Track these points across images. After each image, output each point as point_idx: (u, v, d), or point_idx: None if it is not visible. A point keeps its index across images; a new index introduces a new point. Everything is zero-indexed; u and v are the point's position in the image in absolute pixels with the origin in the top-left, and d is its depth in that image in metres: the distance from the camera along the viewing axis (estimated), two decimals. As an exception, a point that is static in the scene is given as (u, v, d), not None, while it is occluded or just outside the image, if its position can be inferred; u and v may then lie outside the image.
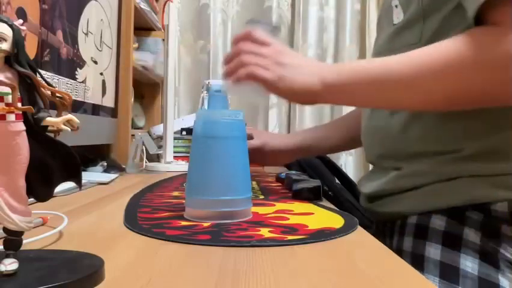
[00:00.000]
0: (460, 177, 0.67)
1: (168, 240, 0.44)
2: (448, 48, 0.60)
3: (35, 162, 0.30)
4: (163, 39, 1.47)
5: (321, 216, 0.58)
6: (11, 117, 0.28)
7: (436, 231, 0.67)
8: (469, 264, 0.62)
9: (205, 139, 0.54)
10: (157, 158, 1.29)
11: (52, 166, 0.32)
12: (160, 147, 1.26)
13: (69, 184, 0.78)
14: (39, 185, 0.31)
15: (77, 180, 0.33)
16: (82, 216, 0.56)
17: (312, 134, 1.07)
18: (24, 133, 0.29)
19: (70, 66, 0.95)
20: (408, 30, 0.74)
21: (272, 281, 0.33)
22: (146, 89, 1.90)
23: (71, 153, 0.32)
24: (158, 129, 1.44)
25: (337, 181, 1.10)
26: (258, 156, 1.00)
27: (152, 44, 1.78)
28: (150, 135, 1.34)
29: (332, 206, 0.68)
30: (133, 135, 1.39)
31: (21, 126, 0.29)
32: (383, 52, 0.78)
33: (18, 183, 0.29)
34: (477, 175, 0.66)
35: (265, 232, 0.48)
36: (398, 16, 0.77)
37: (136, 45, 1.65)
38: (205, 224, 0.51)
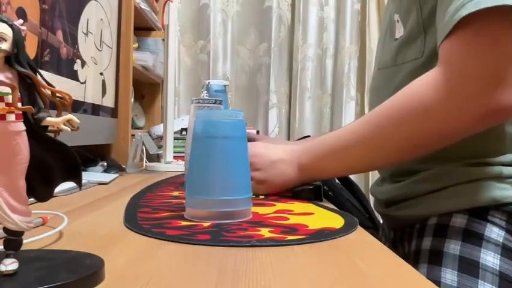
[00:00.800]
0: (483, 178, 0.67)
1: (168, 240, 0.44)
2: (393, 105, 0.65)
3: (35, 162, 0.30)
4: (163, 39, 1.47)
5: (321, 216, 0.58)
6: (11, 117, 0.28)
7: (456, 228, 0.66)
8: (490, 259, 0.62)
9: (205, 139, 0.54)
10: (157, 158, 1.29)
11: (52, 166, 0.32)
12: (160, 147, 1.26)
13: (69, 184, 0.78)
14: (39, 185, 0.31)
15: (77, 180, 0.33)
16: (82, 216, 0.56)
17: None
18: (25, 133, 0.29)
19: (69, 65, 0.95)
20: (409, 45, 0.74)
21: (272, 281, 0.33)
22: (146, 89, 1.90)
23: (71, 153, 0.32)
24: (158, 129, 1.44)
25: (337, 181, 1.10)
26: None
27: (152, 44, 1.78)
28: (150, 135, 1.34)
29: (332, 206, 0.68)
30: (133, 135, 1.39)
31: (21, 126, 0.29)
32: (388, 68, 0.79)
33: (18, 183, 0.29)
34: (500, 177, 0.67)
35: (265, 232, 0.48)
36: (400, 30, 0.77)
37: (136, 45, 1.65)
38: (205, 224, 0.51)
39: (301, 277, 0.34)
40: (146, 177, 1.03)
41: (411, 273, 0.37)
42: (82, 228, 0.50)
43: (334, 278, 0.34)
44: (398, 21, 0.78)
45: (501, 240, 0.64)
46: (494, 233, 0.64)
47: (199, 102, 0.76)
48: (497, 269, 0.62)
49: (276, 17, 2.12)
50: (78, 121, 0.32)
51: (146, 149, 1.19)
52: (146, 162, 1.26)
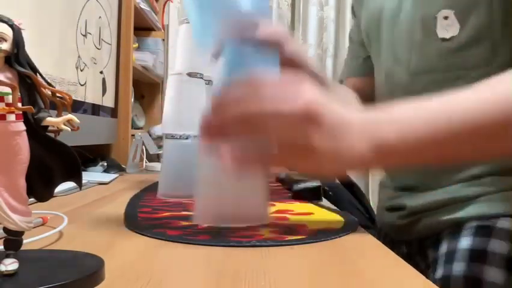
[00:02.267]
0: None
1: (168, 240, 0.44)
2: None
3: (35, 163, 0.30)
4: (163, 39, 1.47)
5: (321, 216, 0.58)
6: (11, 117, 0.28)
7: (504, 230, 0.62)
8: None
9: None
10: (157, 158, 1.29)
11: (52, 166, 0.32)
12: (160, 147, 1.26)
13: (69, 184, 0.78)
14: (39, 185, 0.31)
15: (78, 180, 0.33)
16: (82, 216, 0.56)
17: None
18: (25, 133, 0.29)
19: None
20: (473, 48, 0.63)
21: (272, 281, 0.33)
22: (146, 89, 1.90)
23: (72, 153, 0.32)
24: (158, 129, 1.44)
25: (337, 181, 1.10)
26: None
27: (152, 44, 1.78)
28: (150, 135, 1.34)
29: (332, 206, 0.68)
30: (133, 135, 1.39)
31: (21, 126, 0.29)
32: (436, 73, 0.67)
33: (18, 183, 0.29)
34: None
35: (265, 232, 0.48)
36: (449, 29, 0.65)
37: (136, 45, 1.65)
38: (205, 224, 0.51)
39: (301, 277, 0.34)
40: (146, 177, 1.03)
41: (411, 273, 0.37)
42: (82, 228, 0.50)
43: (334, 278, 0.34)
44: (446, 17, 0.65)
45: None
46: None
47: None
48: None
49: (276, 17, 2.12)
50: (78, 121, 0.32)
51: (146, 149, 1.19)
52: (146, 162, 1.26)
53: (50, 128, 0.31)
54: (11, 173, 0.29)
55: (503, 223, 0.63)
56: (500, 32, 0.62)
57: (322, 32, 2.14)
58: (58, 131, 0.31)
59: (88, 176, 0.90)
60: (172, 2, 1.91)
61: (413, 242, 0.74)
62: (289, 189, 0.76)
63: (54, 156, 0.31)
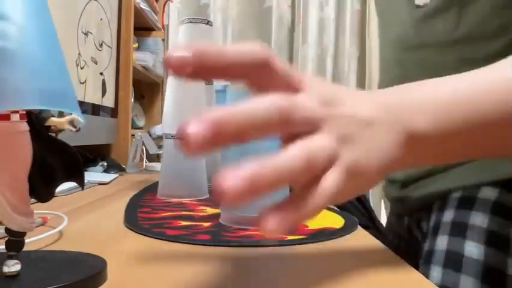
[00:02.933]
0: None
1: (168, 240, 0.44)
2: None
3: (37, 162, 0.30)
4: (163, 39, 1.47)
5: (321, 216, 0.58)
6: (15, 117, 0.28)
7: (486, 201, 0.61)
8: None
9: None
10: (157, 158, 1.29)
11: (54, 166, 0.32)
12: (160, 147, 1.26)
13: (69, 184, 0.78)
14: (40, 185, 0.31)
15: (79, 180, 0.33)
16: (82, 216, 0.56)
17: None
18: (28, 133, 0.29)
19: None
20: (441, 15, 0.64)
21: (272, 281, 0.33)
22: (146, 89, 1.90)
23: (73, 153, 0.32)
24: (158, 129, 1.44)
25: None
26: None
27: (152, 44, 1.78)
28: (150, 135, 1.34)
29: (332, 206, 0.68)
30: (133, 135, 1.39)
31: (25, 126, 0.29)
32: (408, 43, 0.68)
33: (21, 183, 0.29)
34: None
35: (265, 232, 0.48)
36: None
37: (136, 45, 1.66)
38: (205, 224, 0.51)
39: (301, 277, 0.34)
40: (146, 177, 1.03)
41: (411, 273, 0.37)
42: (82, 228, 0.50)
43: (334, 278, 0.34)
44: None
45: None
46: None
47: (190, 22, 0.75)
48: None
49: (276, 17, 2.12)
50: (82, 121, 0.31)
51: (146, 149, 1.19)
52: (146, 162, 1.26)
53: (52, 128, 0.31)
54: (14, 173, 0.29)
55: (485, 193, 0.62)
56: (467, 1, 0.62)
57: (322, 32, 2.14)
58: (59, 130, 0.31)
59: (88, 176, 0.90)
60: (172, 2, 1.91)
61: (413, 215, 0.75)
62: (290, 190, 0.76)
63: (56, 156, 0.31)
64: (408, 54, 0.69)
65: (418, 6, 0.66)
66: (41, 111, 0.30)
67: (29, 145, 0.29)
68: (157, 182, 0.75)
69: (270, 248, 0.42)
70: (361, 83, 2.14)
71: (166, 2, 1.22)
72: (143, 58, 1.65)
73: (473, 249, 0.58)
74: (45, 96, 0.27)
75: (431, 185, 0.68)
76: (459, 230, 0.61)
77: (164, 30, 1.30)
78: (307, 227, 0.51)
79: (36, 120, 0.30)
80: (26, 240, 0.35)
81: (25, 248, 0.31)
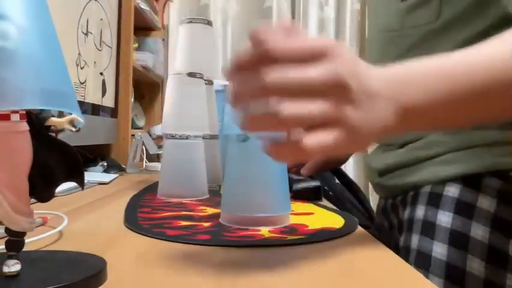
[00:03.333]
0: (477, 145, 0.65)
1: (168, 240, 0.44)
2: None
3: (37, 162, 0.30)
4: (163, 39, 1.47)
5: (321, 216, 0.58)
6: (15, 116, 0.28)
7: (450, 198, 0.65)
8: (480, 232, 0.61)
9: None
10: (157, 158, 1.29)
11: (54, 166, 0.31)
12: (160, 147, 1.26)
13: (69, 184, 0.78)
14: (40, 185, 0.31)
15: (79, 180, 0.33)
16: (82, 216, 0.56)
17: None
18: (28, 133, 0.29)
19: (70, 66, 0.95)
20: (421, 8, 0.68)
21: (272, 281, 0.33)
22: (146, 89, 1.90)
23: (73, 153, 0.32)
24: (158, 129, 1.44)
25: (337, 181, 1.10)
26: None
27: (152, 44, 1.78)
28: (150, 135, 1.34)
29: (332, 206, 0.68)
30: (133, 135, 1.39)
31: (25, 126, 0.29)
32: (393, 31, 0.72)
33: (21, 184, 0.29)
34: (495, 143, 0.65)
35: (265, 232, 0.48)
36: None
37: (136, 45, 1.66)
38: (205, 224, 0.51)
39: (301, 277, 0.34)
40: (146, 177, 1.03)
41: (411, 273, 0.37)
42: (82, 228, 0.50)
43: (334, 278, 0.34)
44: None
45: (492, 211, 0.62)
46: (486, 203, 0.63)
47: (190, 22, 0.75)
48: (487, 242, 0.61)
49: (276, 17, 2.12)
50: (81, 121, 0.31)
51: (146, 149, 1.19)
52: (146, 162, 1.26)
53: (52, 128, 0.31)
54: (15, 173, 0.29)
55: (450, 189, 0.65)
56: None
57: (322, 32, 2.14)
58: (59, 130, 0.31)
59: (88, 176, 0.90)
60: (172, 2, 1.91)
61: (388, 200, 0.79)
62: (289, 189, 0.76)
63: (56, 156, 0.31)
64: (392, 44, 0.73)
65: (403, 0, 0.70)
66: (41, 111, 0.30)
67: (29, 145, 0.29)
68: (157, 182, 0.75)
69: (270, 248, 0.42)
70: (361, 83, 2.15)
71: (166, 2, 1.22)
72: (143, 58, 1.65)
73: (441, 250, 0.62)
74: (45, 96, 0.27)
75: (404, 176, 0.72)
76: (427, 228, 0.65)
77: (164, 30, 1.30)
78: (307, 226, 0.51)
79: (36, 120, 0.30)
80: (26, 240, 0.35)
81: (25, 248, 0.31)
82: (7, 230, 0.30)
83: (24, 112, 0.29)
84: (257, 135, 0.36)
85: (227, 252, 0.41)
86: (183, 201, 0.67)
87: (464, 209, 0.63)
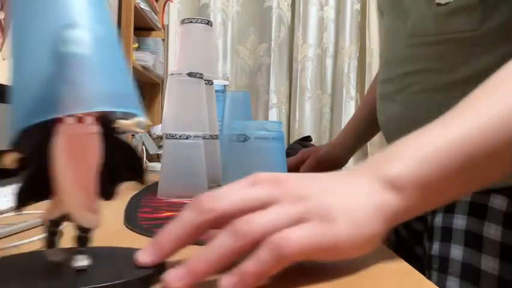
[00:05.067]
0: None
1: (168, 240, 0.44)
2: None
3: (103, 162, 0.31)
4: (163, 39, 1.47)
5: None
6: (89, 119, 0.29)
7: (497, 211, 0.61)
8: None
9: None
10: (157, 158, 1.29)
11: (118, 166, 0.33)
12: (160, 147, 1.26)
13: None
14: (106, 184, 0.33)
15: (141, 180, 0.34)
16: (82, 216, 0.56)
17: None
18: (99, 135, 0.30)
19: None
20: (464, 13, 0.63)
21: (272, 281, 0.33)
22: (146, 89, 1.90)
23: (136, 155, 0.34)
24: (158, 129, 1.44)
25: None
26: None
27: (152, 44, 1.78)
28: (150, 135, 1.34)
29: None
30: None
31: (96, 128, 0.30)
32: (428, 36, 0.68)
33: (91, 183, 0.31)
34: None
35: (265, 232, 0.48)
36: None
37: (136, 45, 1.66)
38: (205, 224, 0.51)
39: (301, 277, 0.34)
40: (146, 177, 1.03)
41: (412, 273, 0.37)
42: (82, 228, 0.50)
43: (334, 278, 0.34)
44: None
45: None
46: None
47: (190, 22, 0.75)
48: None
49: (276, 17, 2.12)
50: (145, 122, 0.33)
51: (146, 149, 1.19)
52: (146, 162, 1.26)
53: (118, 129, 0.32)
54: (87, 173, 0.30)
55: (495, 201, 0.61)
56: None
57: (322, 32, 2.14)
58: (123, 131, 0.32)
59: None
60: (172, 2, 1.91)
61: None
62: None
63: (121, 157, 0.33)
64: (426, 48, 0.68)
65: (439, 5, 0.66)
66: (109, 113, 0.31)
67: (99, 146, 0.30)
68: (157, 182, 0.75)
69: (270, 248, 0.42)
70: (361, 83, 2.15)
71: (166, 2, 1.22)
72: (143, 58, 1.65)
73: (490, 263, 0.59)
74: (114, 98, 0.29)
75: None
76: (474, 240, 0.61)
77: (164, 30, 1.30)
78: (307, 227, 0.51)
79: (105, 122, 0.31)
80: (26, 240, 0.35)
81: (25, 248, 0.31)
82: (77, 226, 0.31)
83: (95, 114, 0.30)
84: None
85: (227, 252, 0.41)
86: (183, 201, 0.67)
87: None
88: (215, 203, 0.33)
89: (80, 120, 0.29)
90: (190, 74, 0.75)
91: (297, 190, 0.34)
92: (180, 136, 0.71)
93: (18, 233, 0.45)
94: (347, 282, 0.34)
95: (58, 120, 0.28)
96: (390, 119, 0.77)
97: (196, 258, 0.31)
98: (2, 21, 0.69)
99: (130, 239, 0.45)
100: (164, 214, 0.57)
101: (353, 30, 2.12)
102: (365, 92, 2.11)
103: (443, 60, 0.65)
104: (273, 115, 2.11)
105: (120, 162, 0.33)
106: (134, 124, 0.32)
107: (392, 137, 0.80)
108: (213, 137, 0.84)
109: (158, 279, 0.31)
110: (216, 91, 0.89)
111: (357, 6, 2.13)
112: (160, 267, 0.32)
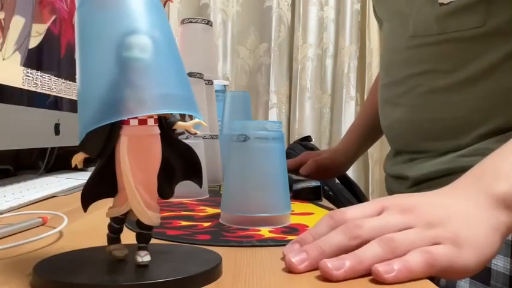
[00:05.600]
0: None
1: (168, 240, 0.44)
2: None
3: (163, 162, 0.32)
4: (163, 39, 1.47)
5: (321, 217, 0.58)
6: (151, 121, 0.31)
7: None
8: None
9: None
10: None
11: (176, 166, 0.34)
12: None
13: (68, 184, 0.78)
14: (164, 184, 0.34)
15: (198, 180, 0.35)
16: (82, 216, 0.56)
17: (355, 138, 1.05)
18: (160, 136, 0.32)
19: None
20: (467, 11, 0.64)
21: (272, 281, 0.33)
22: (146, 89, 1.90)
23: (194, 155, 0.34)
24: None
25: (337, 181, 1.10)
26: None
27: (152, 44, 1.78)
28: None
29: (332, 206, 0.68)
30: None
31: (157, 129, 0.32)
32: (430, 36, 0.68)
33: (152, 182, 0.32)
34: None
35: (265, 232, 0.48)
36: None
37: (136, 45, 1.65)
38: (205, 224, 0.51)
39: (301, 277, 0.34)
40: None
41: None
42: (82, 228, 0.50)
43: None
44: None
45: None
46: None
47: (190, 22, 0.74)
48: None
49: (276, 17, 2.11)
50: (205, 124, 0.34)
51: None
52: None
53: (177, 131, 0.33)
54: (148, 173, 0.31)
55: None
56: None
57: (322, 32, 2.14)
58: (181, 133, 0.34)
59: (88, 176, 0.89)
60: (172, 2, 1.91)
61: None
62: (290, 189, 0.76)
63: (179, 157, 0.34)
64: (429, 48, 0.68)
65: (442, 4, 0.66)
66: (168, 114, 0.32)
67: (160, 147, 0.32)
68: (157, 182, 0.75)
69: (270, 248, 0.42)
70: (361, 83, 2.14)
71: (166, 2, 1.22)
72: (143, 58, 1.65)
73: (499, 263, 0.58)
74: (174, 101, 0.30)
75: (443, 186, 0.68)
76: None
77: (164, 30, 1.31)
78: (307, 227, 0.51)
79: (165, 124, 0.32)
80: (26, 241, 0.35)
81: (25, 248, 0.31)
82: (138, 223, 0.33)
83: (156, 117, 0.31)
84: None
85: (227, 252, 0.41)
86: (183, 201, 0.67)
87: None
88: (359, 231, 0.37)
89: (142, 122, 0.30)
90: (190, 74, 0.75)
91: (428, 218, 0.38)
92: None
93: (18, 233, 0.45)
94: (347, 282, 0.34)
95: (123, 123, 0.30)
96: (394, 123, 0.77)
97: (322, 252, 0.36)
98: (2, 21, 0.69)
99: (130, 239, 0.45)
100: (164, 214, 0.57)
101: (353, 30, 2.12)
102: (365, 92, 2.11)
103: (446, 60, 0.64)
104: (273, 115, 2.11)
105: (177, 162, 0.34)
106: (192, 125, 0.33)
107: (397, 141, 0.80)
108: (213, 137, 0.84)
109: (213, 277, 0.32)
110: (216, 91, 0.89)
111: (357, 6, 2.13)
112: (216, 267, 0.33)
